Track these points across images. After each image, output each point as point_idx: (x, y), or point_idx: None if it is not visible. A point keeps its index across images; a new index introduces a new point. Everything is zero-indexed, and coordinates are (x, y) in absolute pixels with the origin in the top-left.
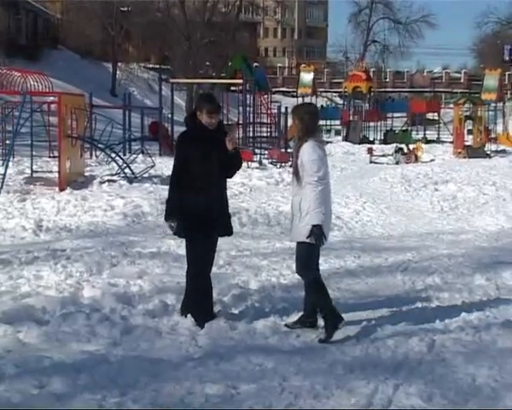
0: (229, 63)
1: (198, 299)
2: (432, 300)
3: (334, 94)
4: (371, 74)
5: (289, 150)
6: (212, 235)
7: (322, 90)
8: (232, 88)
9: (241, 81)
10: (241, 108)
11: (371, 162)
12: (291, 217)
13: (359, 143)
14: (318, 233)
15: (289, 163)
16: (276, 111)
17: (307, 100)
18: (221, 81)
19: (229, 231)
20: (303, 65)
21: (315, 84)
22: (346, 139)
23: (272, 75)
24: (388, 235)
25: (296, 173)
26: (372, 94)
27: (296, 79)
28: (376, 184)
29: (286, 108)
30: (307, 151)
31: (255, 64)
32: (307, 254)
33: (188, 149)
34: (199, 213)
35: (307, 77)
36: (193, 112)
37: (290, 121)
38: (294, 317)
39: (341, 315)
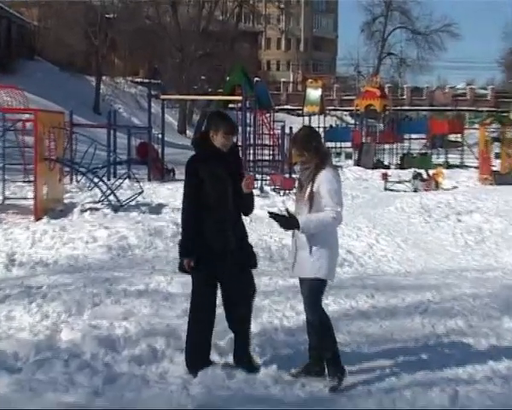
0: (227, 77)
1: (193, 343)
2: (454, 346)
3: (345, 113)
4: (386, 91)
5: (294, 176)
6: (220, 270)
7: (331, 108)
8: (230, 105)
9: (240, 98)
10: (240, 128)
11: (386, 190)
12: (293, 249)
13: (373, 168)
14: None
15: (294, 190)
16: (279, 132)
17: (315, 119)
18: (218, 98)
19: (252, 263)
20: (310, 80)
21: (323, 101)
22: (357, 164)
23: (275, 91)
24: (405, 272)
25: (310, 200)
26: (387, 113)
27: (302, 95)
28: (392, 215)
29: (290, 128)
30: (327, 180)
31: (256, 79)
32: (318, 292)
33: (200, 173)
34: (211, 245)
35: (314, 93)
36: (204, 133)
37: None
38: (299, 364)
39: (344, 368)
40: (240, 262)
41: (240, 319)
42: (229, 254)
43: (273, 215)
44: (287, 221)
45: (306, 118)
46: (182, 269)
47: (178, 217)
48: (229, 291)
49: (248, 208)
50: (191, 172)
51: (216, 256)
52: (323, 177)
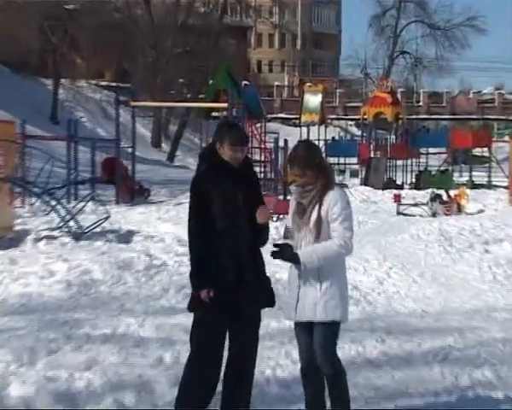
0: (210, 81)
1: (190, 396)
2: (481, 401)
3: (350, 122)
4: (399, 96)
5: (290, 198)
6: (231, 302)
7: (333, 117)
8: (214, 114)
9: (225, 105)
10: None
11: (399, 214)
12: (293, 286)
13: (383, 189)
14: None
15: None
16: (272, 145)
17: (314, 130)
18: (199, 105)
19: (269, 301)
20: (308, 84)
21: (324, 109)
22: (365, 183)
23: (267, 97)
24: (422, 312)
25: (317, 227)
26: (400, 122)
27: (299, 102)
28: (406, 244)
29: (285, 141)
30: (337, 201)
31: (245, 82)
32: (335, 338)
33: (206, 191)
34: (223, 274)
35: (314, 100)
36: (211, 144)
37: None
38: None
39: None
40: (254, 297)
41: (245, 358)
42: (243, 286)
43: (277, 252)
44: (283, 252)
45: (304, 129)
46: (193, 305)
47: (152, 246)
48: (237, 327)
49: (260, 241)
50: (196, 190)
51: (228, 287)
52: (332, 198)
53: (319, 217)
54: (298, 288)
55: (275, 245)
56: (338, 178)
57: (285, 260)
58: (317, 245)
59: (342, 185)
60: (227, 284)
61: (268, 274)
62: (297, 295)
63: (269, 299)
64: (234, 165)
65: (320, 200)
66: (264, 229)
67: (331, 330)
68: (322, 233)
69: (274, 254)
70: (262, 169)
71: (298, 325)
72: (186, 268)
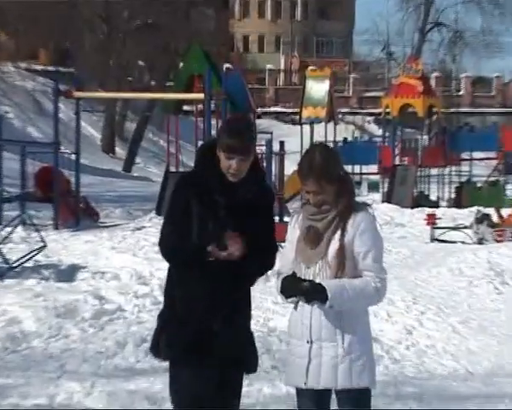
0: (181, 64)
1: None
2: None
3: (368, 118)
4: (433, 83)
5: (287, 219)
6: (210, 361)
7: (345, 111)
8: (185, 108)
9: (200, 96)
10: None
11: (434, 240)
12: (300, 339)
13: (412, 207)
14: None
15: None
16: (263, 149)
17: (319, 129)
18: (165, 96)
19: (250, 365)
20: (311, 67)
21: (333, 100)
22: (388, 199)
23: (257, 85)
24: (466, 372)
25: (340, 261)
26: (435, 118)
27: (299, 91)
28: (443, 280)
29: (281, 143)
30: (367, 228)
31: (226, 65)
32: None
33: (190, 203)
34: (192, 321)
35: (319, 88)
36: (213, 143)
37: (290, 168)
38: None
39: None
40: (229, 357)
41: None
42: (214, 341)
43: (290, 283)
44: (298, 285)
45: (306, 127)
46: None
47: (103, 286)
48: (211, 392)
49: (245, 276)
50: (178, 193)
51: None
52: (360, 224)
53: (342, 247)
54: (309, 342)
55: (284, 279)
56: None
57: (305, 296)
58: (346, 280)
59: (366, 205)
60: (196, 330)
61: (255, 324)
62: (308, 353)
63: (249, 361)
64: (230, 178)
65: (343, 225)
66: (250, 261)
67: (362, 399)
68: (348, 271)
69: (285, 290)
70: None
71: (305, 393)
72: (148, 315)
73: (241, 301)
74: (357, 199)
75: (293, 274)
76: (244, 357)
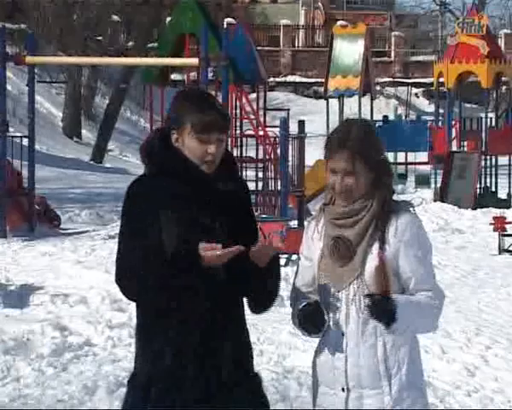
0: (168, 19)
1: None
2: None
3: (416, 90)
4: (502, 44)
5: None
6: None
7: (385, 80)
8: (173, 77)
9: (194, 61)
10: None
11: (503, 252)
12: (333, 384)
13: (474, 207)
14: None
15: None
16: (277, 131)
17: (350, 104)
18: (147, 61)
19: None
20: (341, 22)
21: (369, 66)
22: (442, 197)
23: (269, 46)
24: None
25: (382, 280)
26: (504, 90)
27: (325, 54)
28: None
29: (301, 122)
30: (417, 236)
31: (228, 20)
32: None
33: (151, 214)
34: (170, 368)
35: (350, 50)
36: (162, 133)
37: (312, 156)
38: None
39: None
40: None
41: None
42: (199, 385)
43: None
44: (379, 303)
45: (334, 102)
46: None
47: (65, 313)
48: None
49: (262, 302)
50: (134, 207)
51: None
52: (408, 232)
53: (382, 262)
54: (345, 391)
55: (301, 310)
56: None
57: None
58: (411, 297)
59: (407, 204)
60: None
61: (267, 362)
62: (345, 405)
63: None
64: (204, 168)
65: (381, 232)
66: (269, 277)
67: None
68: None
69: (308, 323)
70: (260, 173)
71: None
72: (125, 350)
73: (242, 342)
74: (396, 197)
75: (316, 303)
76: (254, 399)
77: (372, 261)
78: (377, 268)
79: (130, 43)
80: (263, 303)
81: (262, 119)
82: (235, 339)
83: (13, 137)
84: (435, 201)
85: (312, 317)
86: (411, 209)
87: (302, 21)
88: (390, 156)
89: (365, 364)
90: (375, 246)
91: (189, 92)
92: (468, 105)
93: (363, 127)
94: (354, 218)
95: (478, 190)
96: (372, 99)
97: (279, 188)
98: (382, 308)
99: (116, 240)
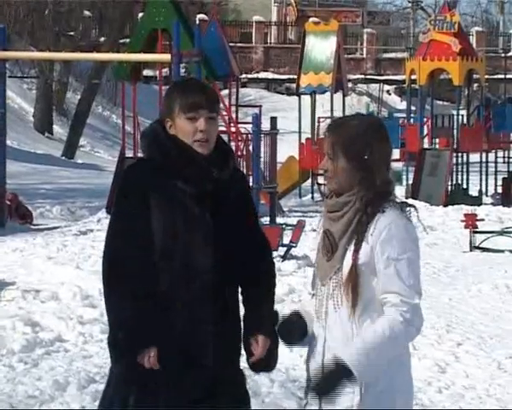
0: (140, 14)
1: None
2: None
3: (388, 87)
4: (473, 41)
5: (281, 221)
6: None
7: (357, 77)
8: (145, 73)
9: (166, 57)
10: None
11: (474, 249)
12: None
13: (445, 205)
14: None
15: (283, 252)
16: (250, 127)
17: (323, 100)
18: (119, 57)
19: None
20: (313, 19)
21: (341, 63)
22: (413, 194)
23: (241, 43)
24: None
25: (354, 283)
26: (476, 87)
27: (297, 51)
28: (486, 301)
29: (273, 119)
30: (394, 235)
31: (200, 16)
32: None
33: (144, 199)
34: (165, 359)
35: (322, 47)
36: (159, 122)
37: (284, 152)
38: None
39: None
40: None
41: None
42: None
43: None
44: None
45: (306, 98)
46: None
47: (36, 309)
48: None
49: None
50: (128, 190)
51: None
52: (385, 232)
53: (354, 263)
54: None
55: (282, 324)
56: None
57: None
58: (365, 335)
59: (402, 204)
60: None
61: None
62: (319, 401)
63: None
64: (200, 152)
65: (362, 229)
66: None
67: None
68: (365, 294)
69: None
70: None
71: None
72: (96, 346)
73: (233, 343)
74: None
75: (297, 314)
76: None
77: (348, 259)
78: (350, 270)
79: (102, 39)
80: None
81: (234, 115)
82: (227, 331)
83: None
84: (407, 198)
85: (290, 326)
86: (403, 211)
87: (274, 18)
88: None
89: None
90: (353, 243)
91: (177, 82)
92: (439, 102)
93: (362, 123)
94: (339, 212)
95: (449, 187)
96: (344, 96)
97: (251, 184)
98: (336, 379)
99: (88, 236)
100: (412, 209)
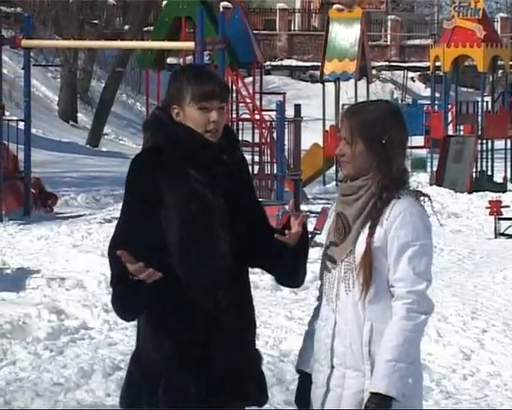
0: (164, 3)
1: None
2: None
3: (412, 74)
4: (498, 28)
5: (304, 207)
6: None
7: (381, 64)
8: (169, 60)
9: (190, 45)
10: None
11: (499, 236)
12: (322, 365)
13: (470, 192)
14: None
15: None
16: (274, 115)
17: (347, 87)
18: (143, 45)
19: (255, 397)
20: (336, 6)
21: (365, 50)
22: (438, 181)
23: (265, 30)
24: None
25: (368, 267)
26: (501, 74)
27: (321, 38)
28: (510, 289)
29: (297, 106)
30: (407, 223)
31: (224, 4)
32: None
33: (155, 189)
34: (180, 349)
35: (346, 34)
36: (162, 110)
37: (308, 139)
38: None
39: None
40: (231, 393)
41: None
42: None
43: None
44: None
45: (330, 85)
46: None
47: (61, 297)
48: None
49: (295, 277)
50: (136, 182)
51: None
52: (400, 218)
53: (368, 247)
54: (330, 368)
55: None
56: None
57: None
58: (383, 353)
59: (417, 193)
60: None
61: (263, 346)
62: (326, 382)
63: (257, 395)
64: (209, 137)
65: (376, 214)
66: (302, 248)
67: None
68: (377, 278)
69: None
70: (257, 157)
71: None
72: (121, 334)
73: (248, 327)
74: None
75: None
76: (247, 385)
77: (362, 243)
78: (363, 254)
79: (127, 27)
80: (294, 280)
81: (258, 102)
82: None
83: (9, 120)
84: (431, 185)
85: (306, 396)
86: (418, 198)
87: (298, 5)
88: None
89: (350, 344)
90: (367, 228)
91: (186, 67)
92: (464, 89)
93: (379, 108)
94: (354, 196)
95: (474, 174)
96: (368, 83)
97: (275, 172)
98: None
99: (112, 224)
100: (426, 199)
